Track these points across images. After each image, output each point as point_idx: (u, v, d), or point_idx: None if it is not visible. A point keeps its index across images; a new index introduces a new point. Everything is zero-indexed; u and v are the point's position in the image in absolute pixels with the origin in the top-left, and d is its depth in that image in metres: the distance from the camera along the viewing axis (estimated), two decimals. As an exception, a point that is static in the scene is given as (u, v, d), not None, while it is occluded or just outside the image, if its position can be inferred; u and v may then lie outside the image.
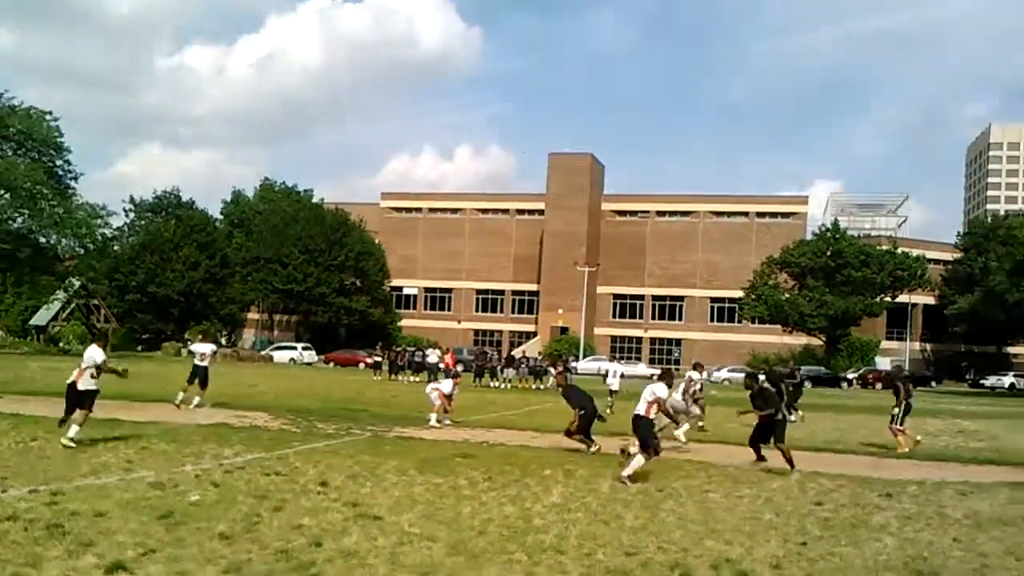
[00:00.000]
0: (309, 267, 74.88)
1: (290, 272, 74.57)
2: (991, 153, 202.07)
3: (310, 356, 64.65)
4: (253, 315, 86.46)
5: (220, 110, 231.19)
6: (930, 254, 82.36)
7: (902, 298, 77.02)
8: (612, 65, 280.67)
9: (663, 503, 10.74)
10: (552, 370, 43.84)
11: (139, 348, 70.39)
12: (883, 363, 76.75)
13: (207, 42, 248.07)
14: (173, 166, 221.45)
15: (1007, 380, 70.38)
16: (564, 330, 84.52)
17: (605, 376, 30.93)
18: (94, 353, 13.91)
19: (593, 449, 15.27)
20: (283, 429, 17.40)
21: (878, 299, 73.53)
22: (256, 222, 78.03)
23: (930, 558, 8.36)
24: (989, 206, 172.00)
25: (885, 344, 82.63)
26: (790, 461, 13.83)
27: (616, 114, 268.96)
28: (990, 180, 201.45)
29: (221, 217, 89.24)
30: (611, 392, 27.07)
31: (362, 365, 57.66)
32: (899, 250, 74.57)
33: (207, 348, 21.49)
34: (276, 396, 19.25)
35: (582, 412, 15.37)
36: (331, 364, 62.34)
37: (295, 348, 66.37)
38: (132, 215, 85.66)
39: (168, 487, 10.18)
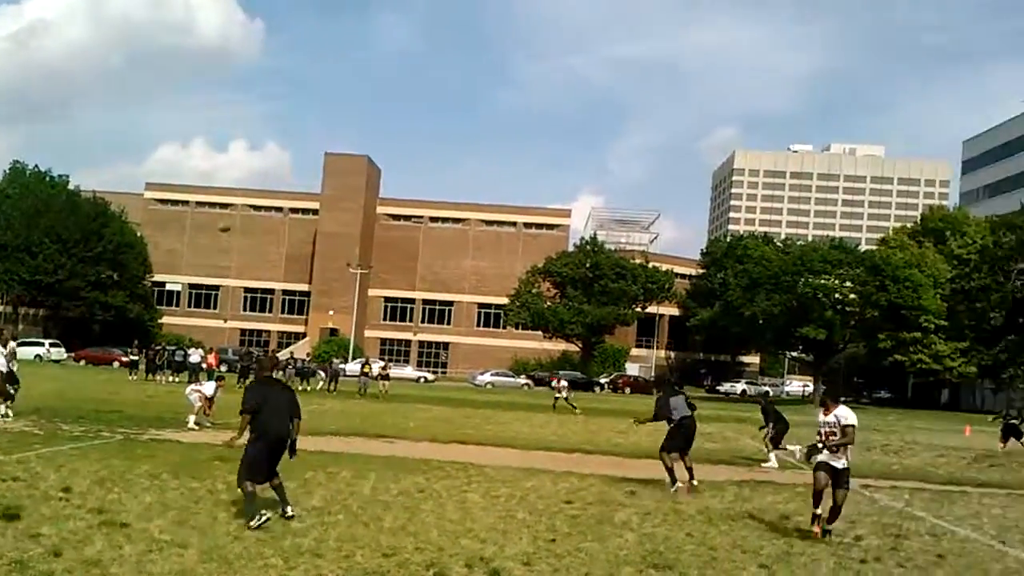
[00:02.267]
0: (61, 258, 69.51)
1: (39, 263, 68.94)
2: (734, 178, 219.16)
3: (59, 353, 60.11)
4: (-7, 308, 79.12)
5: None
6: (677, 269, 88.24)
7: (651, 309, 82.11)
8: (395, 69, 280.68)
9: (423, 504, 10.97)
10: (321, 372, 43.31)
11: None
12: (632, 368, 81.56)
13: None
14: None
15: (739, 387, 76.82)
16: (334, 332, 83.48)
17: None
18: None
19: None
20: (25, 431, 16.18)
21: (631, 309, 77.94)
22: (3, 208, 71.55)
23: (665, 552, 8.98)
24: (731, 226, 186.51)
25: (635, 351, 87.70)
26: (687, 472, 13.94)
27: (396, 118, 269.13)
28: (732, 203, 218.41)
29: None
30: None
31: (116, 364, 54.61)
32: (650, 264, 79.50)
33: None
34: (19, 395, 17.86)
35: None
36: (82, 362, 58.38)
37: (42, 344, 61.45)
38: None
39: None
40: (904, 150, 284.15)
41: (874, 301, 58.63)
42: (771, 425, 18.47)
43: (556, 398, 36.25)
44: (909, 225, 74.77)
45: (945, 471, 19.03)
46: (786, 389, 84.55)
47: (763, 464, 18.04)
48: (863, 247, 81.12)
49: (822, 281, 61.16)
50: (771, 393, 75.13)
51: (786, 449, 18.63)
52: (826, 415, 10.28)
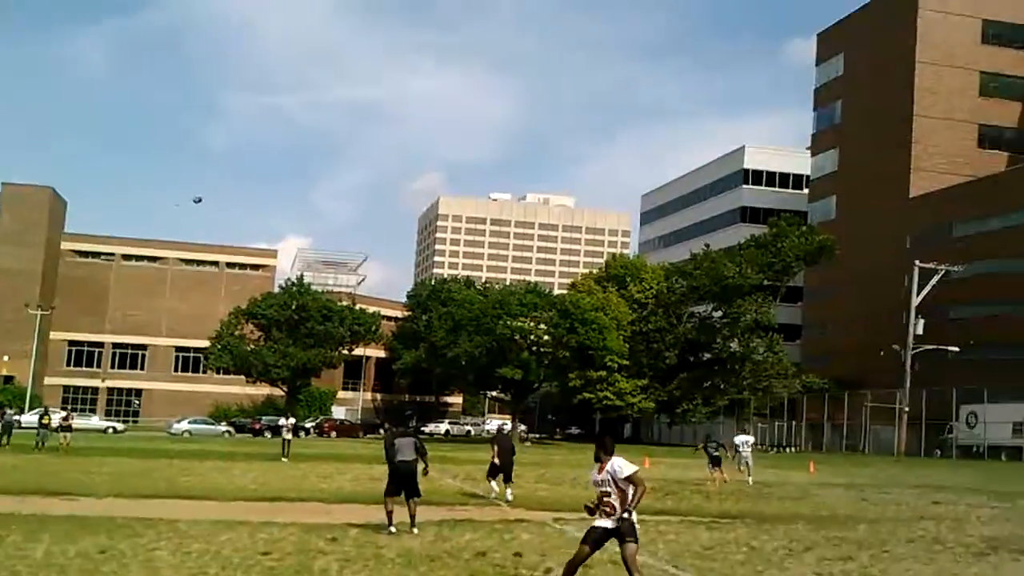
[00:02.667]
0: None
1: None
2: (439, 223, 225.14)
3: None
4: None
5: None
6: (384, 311, 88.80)
7: (358, 351, 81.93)
8: (88, 96, 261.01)
9: (104, 566, 10.20)
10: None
11: None
12: (339, 412, 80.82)
13: None
14: None
15: (443, 427, 78.45)
16: (9, 379, 75.58)
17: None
18: None
19: None
20: None
21: (337, 352, 77.31)
22: None
23: None
24: (436, 270, 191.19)
25: (341, 394, 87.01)
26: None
27: (87, 149, 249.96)
28: (437, 247, 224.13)
29: None
30: None
31: None
32: (357, 306, 79.45)
33: None
34: None
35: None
36: None
37: None
38: None
39: None
40: (592, 200, 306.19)
41: (565, 342, 62.25)
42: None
43: (287, 440, 34.83)
44: (595, 271, 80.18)
45: (627, 501, 20.42)
46: (487, 427, 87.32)
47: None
48: (556, 291, 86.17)
49: (519, 323, 64.08)
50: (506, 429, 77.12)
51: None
52: (600, 472, 8.77)
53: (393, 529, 13.45)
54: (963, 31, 68.48)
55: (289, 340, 73.80)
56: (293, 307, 75.32)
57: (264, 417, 69.39)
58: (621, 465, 8.58)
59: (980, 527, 16.80)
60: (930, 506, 21.37)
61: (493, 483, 20.15)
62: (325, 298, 79.11)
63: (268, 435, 61.00)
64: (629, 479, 8.53)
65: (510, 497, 19.44)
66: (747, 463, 28.31)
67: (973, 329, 57.18)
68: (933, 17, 68.07)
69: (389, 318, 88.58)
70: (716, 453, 27.16)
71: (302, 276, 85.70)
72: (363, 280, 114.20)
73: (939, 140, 67.40)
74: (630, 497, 8.47)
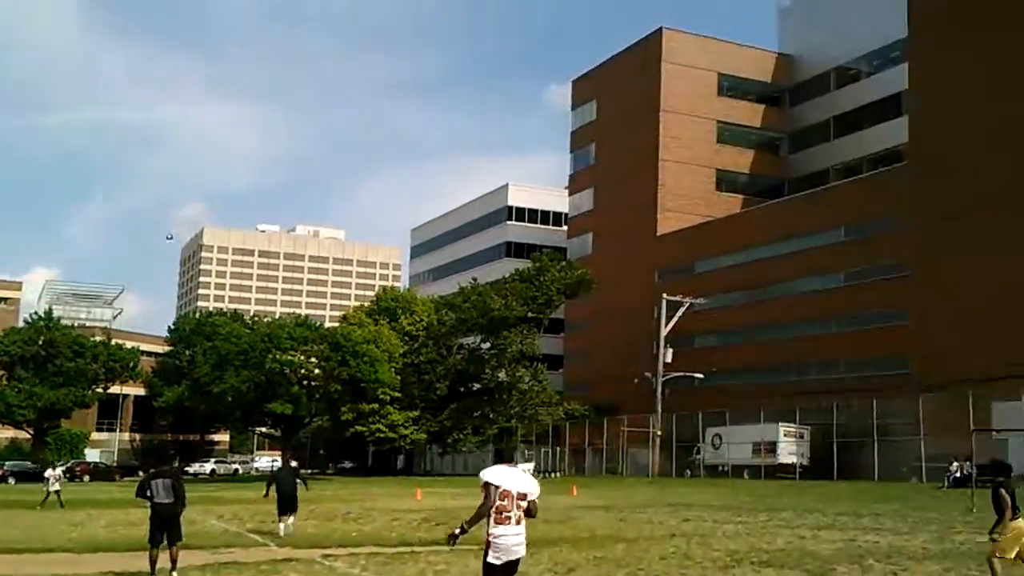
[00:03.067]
0: None
1: None
2: (203, 254, 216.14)
3: None
4: None
5: None
6: (143, 346, 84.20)
7: (115, 389, 77.09)
8: None
9: None
10: None
11: None
12: (92, 455, 75.54)
13: None
14: None
15: (208, 467, 75.06)
16: None
17: None
18: None
19: None
20: None
21: (91, 390, 72.44)
22: None
23: None
24: (200, 303, 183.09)
25: (96, 436, 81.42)
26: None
27: None
28: (202, 279, 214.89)
29: None
30: None
31: None
32: (113, 342, 74.87)
33: None
34: None
35: None
36: None
37: None
38: None
39: None
40: (364, 234, 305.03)
41: (337, 375, 61.59)
42: None
43: (50, 492, 31.89)
44: (367, 304, 79.96)
45: (398, 533, 20.62)
46: (256, 465, 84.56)
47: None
48: (327, 324, 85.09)
49: (289, 357, 62.78)
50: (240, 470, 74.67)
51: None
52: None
53: (173, 574, 13.03)
54: (701, 83, 74.41)
55: (36, 379, 68.41)
56: (40, 343, 69.94)
57: (7, 462, 63.89)
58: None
59: (726, 541, 18.21)
60: (681, 523, 22.86)
61: (281, 523, 20.22)
62: (76, 333, 74.02)
63: (12, 481, 56.65)
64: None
65: (283, 530, 19.85)
66: None
67: (715, 357, 61.92)
68: (675, 69, 73.55)
69: (149, 354, 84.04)
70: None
71: (50, 309, 79.74)
72: (120, 313, 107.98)
73: (682, 183, 72.81)
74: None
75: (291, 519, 20.43)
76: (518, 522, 7.68)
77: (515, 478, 7.86)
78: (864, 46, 69.25)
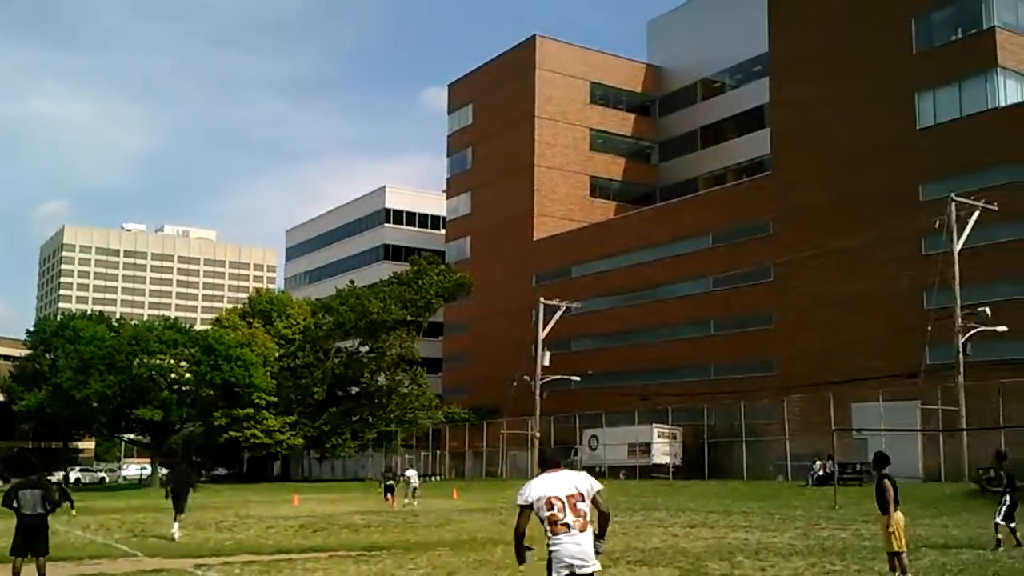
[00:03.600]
0: None
1: None
2: (64, 253, 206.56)
3: None
4: None
5: None
6: (1, 350, 79.83)
7: (-33, 395, 72.84)
8: None
9: None
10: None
11: None
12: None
13: None
14: None
15: (73, 475, 71.75)
16: None
17: None
18: None
19: None
20: None
21: (-61, 397, 68.20)
22: None
23: None
24: (61, 304, 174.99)
25: (-55, 446, 76.68)
26: None
27: None
28: (63, 280, 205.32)
29: None
30: None
31: None
32: (-35, 345, 70.71)
33: None
34: None
35: None
36: None
37: None
38: None
39: None
40: (236, 235, 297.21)
41: (209, 380, 59.85)
42: None
43: None
44: (240, 306, 78.05)
45: (275, 541, 20.27)
46: (124, 474, 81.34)
47: None
48: (198, 327, 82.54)
49: (157, 361, 60.67)
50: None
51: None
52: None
53: None
54: (575, 91, 75.43)
55: None
56: None
57: None
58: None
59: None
60: (558, 524, 23.22)
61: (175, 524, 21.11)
62: (-76, 336, 69.52)
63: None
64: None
65: (176, 533, 20.69)
66: (415, 491, 35.00)
67: (591, 360, 62.96)
68: (549, 76, 74.46)
69: (7, 357, 79.76)
70: (390, 482, 34.00)
71: None
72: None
73: (557, 189, 73.81)
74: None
75: (177, 522, 21.16)
76: (582, 529, 6.70)
77: (561, 481, 6.87)
78: (728, 60, 71.61)
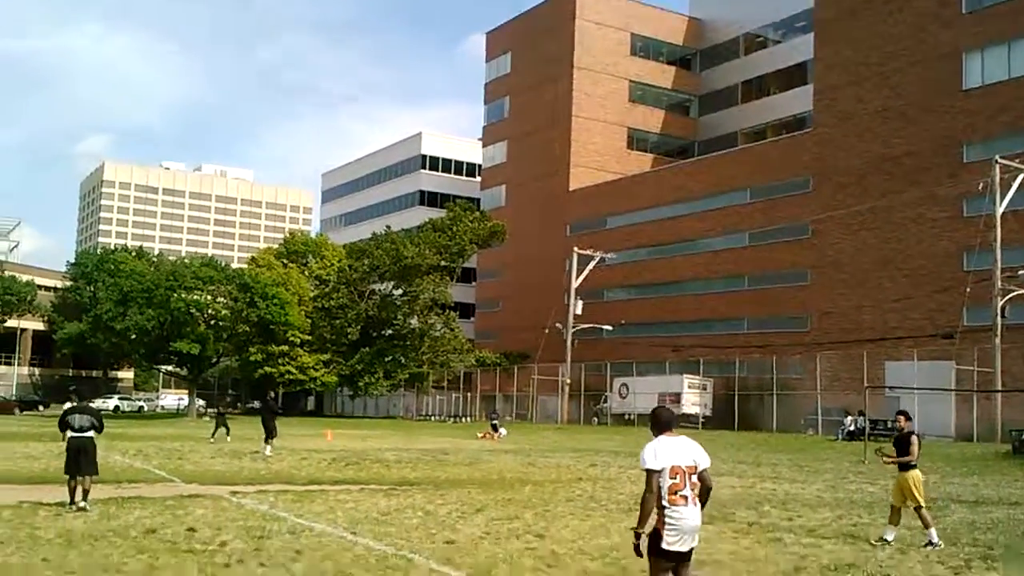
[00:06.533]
0: None
1: None
2: (104, 189, 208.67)
3: None
4: None
5: None
6: (41, 280, 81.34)
7: (12, 323, 74.50)
8: None
9: None
10: None
11: None
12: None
13: None
14: None
15: (112, 403, 73.33)
16: None
17: None
18: None
19: None
20: None
21: (-16, 324, 69.84)
22: None
23: None
24: (101, 239, 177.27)
25: (-7, 370, 78.83)
26: None
27: None
28: (103, 215, 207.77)
29: None
30: None
31: None
32: (8, 274, 72.14)
33: None
34: None
35: None
36: None
37: None
38: None
39: None
40: (274, 177, 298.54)
41: (245, 317, 60.60)
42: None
43: None
44: (276, 247, 78.68)
45: (308, 472, 20.65)
46: (161, 403, 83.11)
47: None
48: (235, 265, 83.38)
49: (195, 297, 61.45)
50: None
51: None
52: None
53: (82, 504, 13.20)
54: (614, 42, 74.19)
55: (-76, 310, 65.45)
56: (-71, 273, 66.86)
57: None
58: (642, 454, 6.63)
59: (630, 486, 18.68)
60: (588, 468, 23.43)
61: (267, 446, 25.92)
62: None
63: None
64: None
65: (269, 452, 25.32)
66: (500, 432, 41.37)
67: (623, 310, 63.02)
68: (588, 27, 73.27)
69: (48, 288, 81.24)
70: (495, 421, 42.96)
71: (-60, 240, 76.21)
72: (16, 247, 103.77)
73: (594, 140, 72.99)
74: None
75: (268, 447, 25.76)
76: (695, 502, 6.48)
77: (682, 449, 6.59)
78: (772, 14, 70.10)
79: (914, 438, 11.99)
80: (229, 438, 33.06)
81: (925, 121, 48.13)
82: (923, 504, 11.64)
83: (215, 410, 42.12)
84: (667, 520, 6.39)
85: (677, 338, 58.45)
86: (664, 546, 6.36)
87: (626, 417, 56.29)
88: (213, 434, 33.77)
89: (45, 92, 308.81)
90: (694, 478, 6.51)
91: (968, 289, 38.71)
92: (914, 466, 11.79)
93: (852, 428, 39.36)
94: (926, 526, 11.57)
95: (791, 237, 55.23)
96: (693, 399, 53.36)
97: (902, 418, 12.35)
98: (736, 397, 51.43)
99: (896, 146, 49.22)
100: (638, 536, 6.47)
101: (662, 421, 6.79)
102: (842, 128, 52.75)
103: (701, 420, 52.09)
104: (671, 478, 6.43)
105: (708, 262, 60.76)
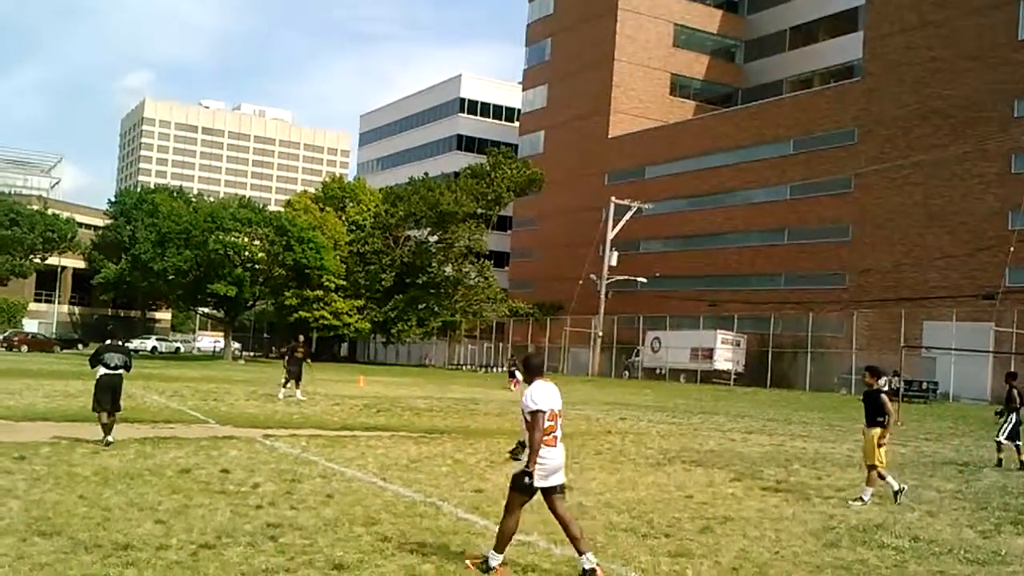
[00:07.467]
0: None
1: None
2: (144, 127, 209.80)
3: None
4: None
5: None
6: (82, 218, 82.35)
7: (53, 260, 75.63)
8: None
9: None
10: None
11: None
12: (31, 325, 74.52)
13: None
14: None
15: (150, 344, 74.54)
16: None
17: None
18: None
19: None
20: None
21: (28, 260, 71.00)
22: None
23: (54, 517, 8.53)
24: (141, 177, 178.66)
25: (34, 306, 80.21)
26: None
27: None
28: (143, 153, 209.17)
29: None
30: None
31: None
32: (50, 211, 73.06)
33: None
34: None
35: None
36: None
37: None
38: None
39: None
40: (311, 118, 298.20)
41: (281, 260, 61.01)
42: None
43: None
44: (313, 190, 78.77)
45: (339, 418, 20.85)
46: (198, 345, 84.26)
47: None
48: (272, 207, 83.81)
49: (232, 239, 61.86)
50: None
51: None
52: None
53: (111, 439, 13.67)
54: (660, -20, 72.63)
55: (-35, 248, 66.67)
56: (-28, 211, 67.95)
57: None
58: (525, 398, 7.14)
59: (659, 440, 18.74)
60: (617, 422, 23.44)
61: (286, 389, 25.92)
62: (12, 201, 71.95)
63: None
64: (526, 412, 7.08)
65: (301, 396, 25.54)
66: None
67: (659, 262, 62.57)
68: (633, -35, 71.65)
69: (87, 226, 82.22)
70: (514, 368, 39.06)
71: (-17, 175, 77.31)
72: (57, 183, 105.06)
73: (636, 85, 71.84)
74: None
75: (299, 391, 25.86)
76: (560, 443, 7.08)
77: (554, 394, 7.15)
78: (824, -42, 68.30)
79: (884, 397, 11.84)
80: (299, 392, 25.97)
81: (977, 72, 46.79)
82: (876, 464, 11.60)
83: (284, 355, 29.28)
84: (540, 460, 6.90)
85: (712, 292, 58.06)
86: (536, 483, 6.90)
87: (657, 371, 56.23)
88: (284, 383, 26.18)
89: (89, 23, 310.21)
90: (561, 421, 7.13)
91: (1012, 248, 37.93)
92: (881, 423, 11.64)
93: (886, 388, 39.00)
94: (868, 484, 11.58)
95: (833, 191, 54.33)
96: (726, 355, 53.13)
97: (867, 374, 12.13)
98: (770, 354, 51.14)
99: (946, 98, 47.98)
100: (530, 476, 6.86)
101: (535, 367, 7.50)
102: (891, 78, 51.45)
103: (733, 376, 51.93)
104: (548, 421, 6.96)
105: (747, 215, 60.03)
